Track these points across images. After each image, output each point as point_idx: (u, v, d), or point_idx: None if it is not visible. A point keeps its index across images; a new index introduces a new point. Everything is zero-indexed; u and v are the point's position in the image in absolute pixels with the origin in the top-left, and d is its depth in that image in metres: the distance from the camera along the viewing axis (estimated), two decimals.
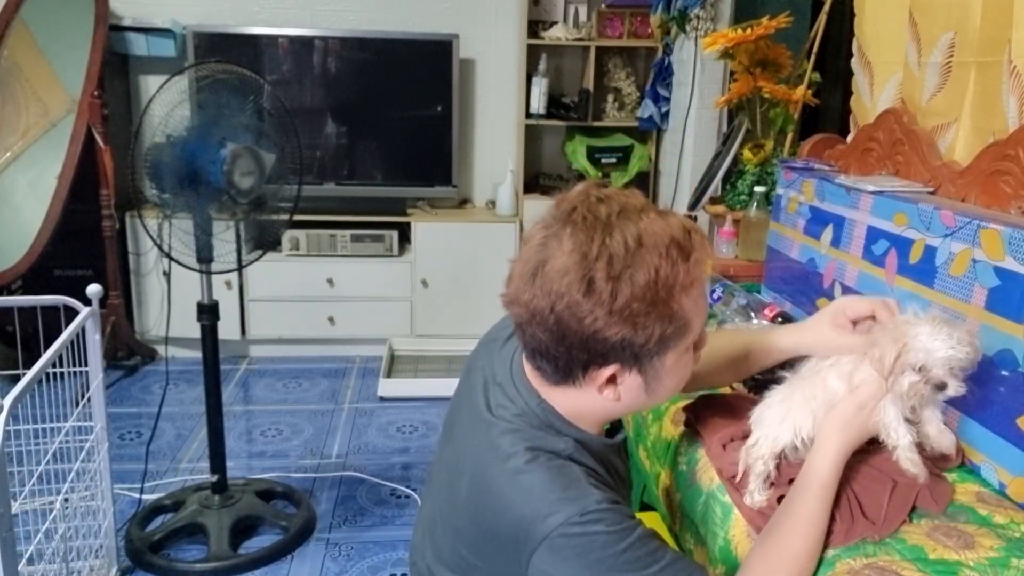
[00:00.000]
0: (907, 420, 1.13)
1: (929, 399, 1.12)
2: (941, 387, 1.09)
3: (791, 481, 1.14)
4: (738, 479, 1.20)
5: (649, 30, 3.57)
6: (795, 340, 1.25)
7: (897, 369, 1.08)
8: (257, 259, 2.12)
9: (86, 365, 1.82)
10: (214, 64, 1.95)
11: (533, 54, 3.58)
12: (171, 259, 1.96)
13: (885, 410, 1.12)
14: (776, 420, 1.17)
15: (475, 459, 0.98)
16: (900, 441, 1.12)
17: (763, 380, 1.45)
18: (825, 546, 1.05)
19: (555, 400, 0.98)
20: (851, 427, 1.11)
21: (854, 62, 2.00)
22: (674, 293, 0.88)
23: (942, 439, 1.16)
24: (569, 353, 0.91)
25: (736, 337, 1.32)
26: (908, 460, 1.12)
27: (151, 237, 1.90)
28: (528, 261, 0.90)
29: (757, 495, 1.16)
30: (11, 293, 3.06)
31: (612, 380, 0.94)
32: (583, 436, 0.99)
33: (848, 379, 1.15)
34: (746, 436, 1.26)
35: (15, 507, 1.43)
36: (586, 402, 0.97)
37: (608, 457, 1.04)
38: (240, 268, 2.09)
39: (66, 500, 1.71)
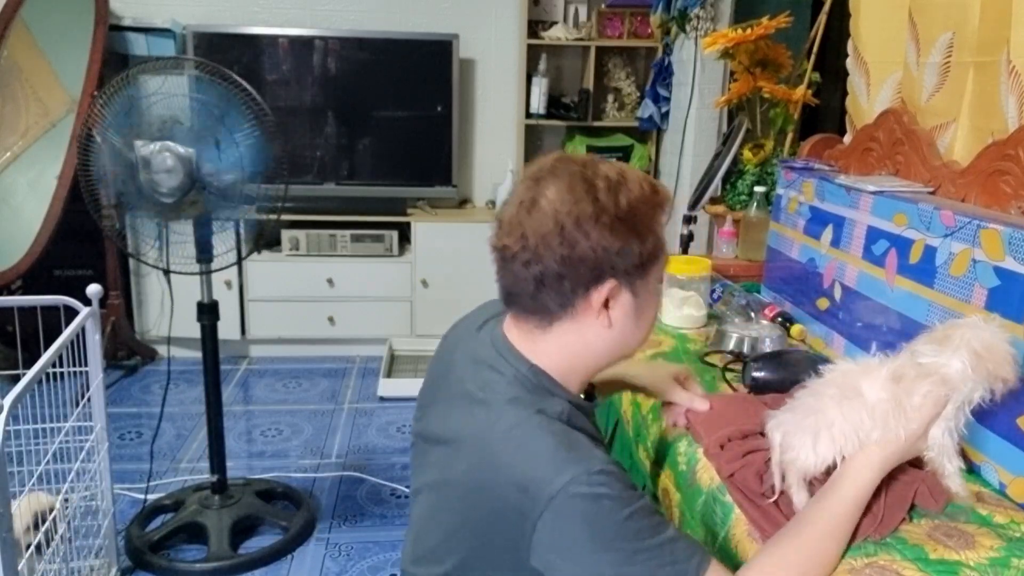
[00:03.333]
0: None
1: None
2: None
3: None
4: (776, 494, 1.16)
5: (649, 30, 3.57)
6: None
7: (1000, 372, 1.06)
8: (235, 261, 2.10)
9: (86, 365, 1.82)
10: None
11: (533, 54, 3.58)
12: (139, 260, 1.96)
13: (943, 438, 1.09)
14: (811, 438, 1.12)
15: (476, 439, 0.98)
16: (955, 469, 1.12)
17: (762, 380, 1.46)
18: None
19: (544, 356, 1.02)
20: (901, 447, 1.07)
21: (849, 63, 2.00)
22: (656, 214, 0.99)
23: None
24: (576, 271, 0.95)
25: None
26: (961, 486, 1.12)
27: (114, 241, 1.88)
28: (520, 203, 0.98)
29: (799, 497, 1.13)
30: (11, 293, 3.06)
31: (606, 305, 0.98)
32: (573, 399, 1.03)
33: (890, 388, 1.10)
34: (744, 436, 1.26)
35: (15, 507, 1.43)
36: (577, 341, 1.01)
37: (591, 420, 1.08)
38: (239, 263, 2.09)
39: (66, 500, 1.71)
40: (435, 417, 1.10)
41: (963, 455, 1.25)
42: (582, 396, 1.09)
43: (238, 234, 2.06)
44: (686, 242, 2.40)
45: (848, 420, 1.09)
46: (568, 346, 1.01)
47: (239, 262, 2.09)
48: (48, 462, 1.67)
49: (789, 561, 0.98)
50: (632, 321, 1.02)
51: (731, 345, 1.72)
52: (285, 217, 3.53)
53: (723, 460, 1.25)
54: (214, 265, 2.07)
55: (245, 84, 1.91)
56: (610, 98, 3.74)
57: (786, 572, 0.97)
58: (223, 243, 2.05)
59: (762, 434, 1.21)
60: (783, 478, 1.14)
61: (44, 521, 1.59)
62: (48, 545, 1.58)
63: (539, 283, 0.97)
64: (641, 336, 1.06)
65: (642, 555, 0.90)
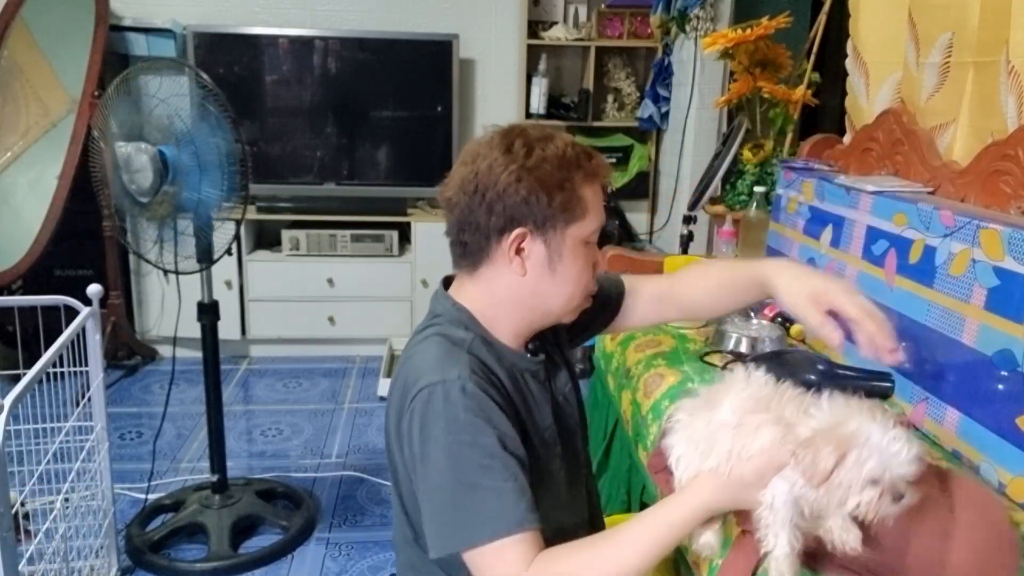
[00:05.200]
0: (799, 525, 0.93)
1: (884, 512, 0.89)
2: (899, 498, 0.88)
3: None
4: None
5: (649, 30, 3.57)
6: (784, 298, 1.12)
7: (845, 481, 0.87)
8: (218, 259, 2.10)
9: (86, 365, 1.82)
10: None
11: (533, 54, 3.58)
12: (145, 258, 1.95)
13: (775, 508, 0.92)
14: (675, 455, 1.04)
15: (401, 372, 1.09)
16: (776, 551, 0.91)
17: None
18: None
19: (470, 299, 1.09)
20: (726, 487, 0.96)
21: (849, 63, 2.01)
22: (576, 175, 1.03)
23: (847, 535, 0.90)
24: (487, 215, 1.02)
25: (739, 267, 1.26)
26: (777, 572, 0.92)
27: (120, 241, 1.88)
28: (460, 163, 1.08)
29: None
30: (11, 293, 3.06)
31: (519, 251, 1.04)
32: (492, 339, 1.08)
33: (739, 414, 0.97)
34: None
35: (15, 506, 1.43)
36: (497, 286, 1.07)
37: (521, 373, 1.10)
38: (238, 257, 2.08)
39: (66, 500, 1.71)
40: None
41: (959, 458, 1.25)
42: (526, 351, 1.14)
43: (238, 235, 2.06)
44: (686, 242, 2.40)
45: (694, 434, 1.00)
46: (489, 290, 1.08)
47: (237, 255, 2.08)
48: (48, 462, 1.67)
49: (584, 560, 0.95)
50: (546, 273, 1.05)
51: (731, 345, 1.72)
52: (285, 217, 3.54)
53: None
54: (204, 264, 2.06)
55: (211, 83, 1.91)
56: (610, 98, 3.74)
57: (580, 570, 0.94)
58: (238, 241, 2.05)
59: None
60: None
61: None
62: None
63: (461, 227, 1.06)
64: (561, 294, 1.09)
65: (451, 488, 0.93)
